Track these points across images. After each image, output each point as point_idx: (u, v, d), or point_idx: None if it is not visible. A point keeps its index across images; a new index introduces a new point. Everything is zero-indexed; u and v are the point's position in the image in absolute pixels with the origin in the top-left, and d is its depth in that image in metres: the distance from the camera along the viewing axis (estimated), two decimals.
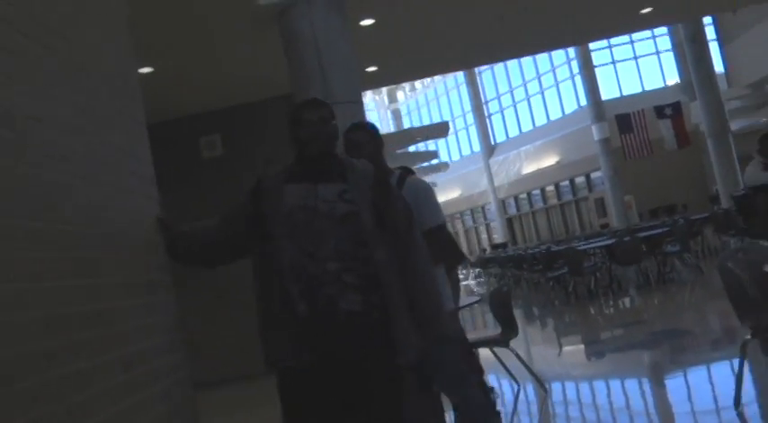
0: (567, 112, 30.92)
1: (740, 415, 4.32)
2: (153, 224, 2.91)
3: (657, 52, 29.79)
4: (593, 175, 28.91)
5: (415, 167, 29.01)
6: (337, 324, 2.62)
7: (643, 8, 10.93)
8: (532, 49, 15.60)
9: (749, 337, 3.99)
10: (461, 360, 3.60)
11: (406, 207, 2.85)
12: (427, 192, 3.62)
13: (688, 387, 5.79)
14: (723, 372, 5.82)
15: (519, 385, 6.25)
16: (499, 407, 5.71)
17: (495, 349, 6.13)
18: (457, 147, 39.41)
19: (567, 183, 31.11)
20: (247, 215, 2.82)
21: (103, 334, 2.28)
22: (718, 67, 24.45)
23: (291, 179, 2.78)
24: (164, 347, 2.77)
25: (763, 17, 19.33)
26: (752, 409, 4.48)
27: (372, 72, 10.26)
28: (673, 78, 28.87)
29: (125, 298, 2.51)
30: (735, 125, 22.37)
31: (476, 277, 27.45)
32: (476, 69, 34.57)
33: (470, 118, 37.13)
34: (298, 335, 2.64)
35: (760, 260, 3.91)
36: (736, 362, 4.44)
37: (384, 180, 2.82)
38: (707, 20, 24.47)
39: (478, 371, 4.68)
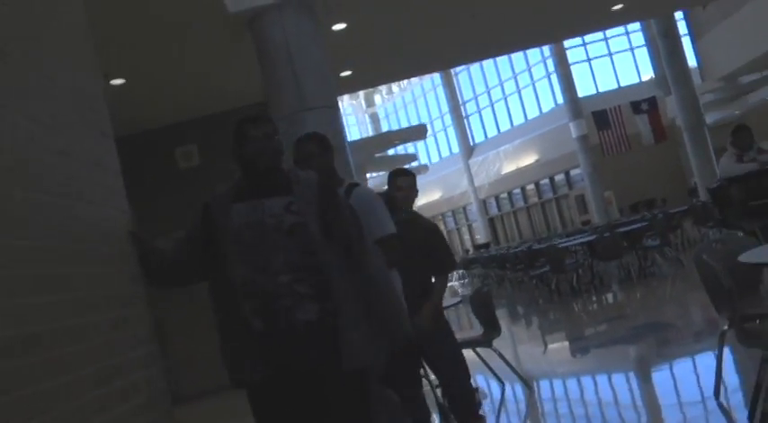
0: (545, 110, 31.09)
1: (721, 405, 4.35)
2: (125, 237, 2.88)
3: (631, 48, 30.05)
4: (573, 173, 29.09)
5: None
6: (296, 335, 2.67)
7: (614, 5, 11.00)
8: (507, 49, 15.66)
9: (726, 327, 4.02)
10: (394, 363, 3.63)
11: (353, 214, 2.89)
12: (373, 202, 3.61)
13: (673, 379, 5.83)
14: (706, 362, 5.85)
15: (504, 385, 6.25)
16: (485, 408, 5.72)
17: (480, 350, 6.14)
18: (436, 148, 39.50)
19: (546, 181, 31.27)
20: (200, 236, 2.86)
21: (76, 349, 2.25)
22: (692, 61, 24.68)
23: (238, 197, 2.82)
24: (139, 361, 2.74)
25: (732, 11, 19.57)
26: (734, 397, 4.52)
27: (347, 76, 10.25)
28: (647, 74, 29.13)
29: (98, 312, 2.48)
30: (709, 118, 22.59)
31: (459, 278, 27.50)
32: (452, 70, 34.70)
33: (448, 119, 37.25)
34: (254, 350, 2.69)
35: (735, 250, 3.93)
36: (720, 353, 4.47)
37: (329, 188, 2.85)
38: (678, 15, 24.69)
39: (465, 372, 4.67)
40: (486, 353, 6.14)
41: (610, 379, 6.45)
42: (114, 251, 2.76)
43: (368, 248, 2.90)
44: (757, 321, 3.86)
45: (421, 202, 38.72)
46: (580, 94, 28.01)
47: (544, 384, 6.70)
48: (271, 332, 2.67)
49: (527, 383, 6.18)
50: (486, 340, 5.96)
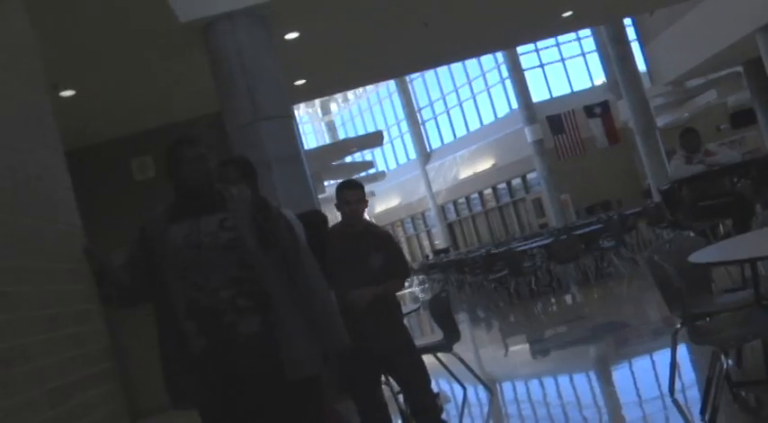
0: (500, 115, 31.40)
1: (676, 401, 4.44)
2: (76, 252, 2.84)
3: (583, 53, 30.53)
4: (530, 176, 29.43)
5: (352, 178, 28.96)
6: (238, 349, 2.71)
7: (564, 12, 11.17)
8: (461, 56, 15.79)
9: (679, 326, 4.10)
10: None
11: (288, 224, 2.95)
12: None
13: (632, 377, 5.93)
14: (663, 360, 5.95)
15: (466, 388, 6.29)
16: (448, 412, 5.75)
17: (440, 354, 6.15)
18: (393, 155, 39.61)
19: (504, 185, 31.57)
20: (140, 258, 2.89)
21: (26, 370, 2.21)
22: (641, 66, 25.18)
23: (174, 218, 2.86)
24: (95, 379, 2.70)
25: (677, 18, 19.99)
26: (689, 393, 4.60)
27: (301, 85, 10.23)
28: (599, 78, 29.61)
29: (49, 331, 2.43)
30: (660, 121, 23.04)
31: (420, 284, 27.58)
32: (407, 77, 34.84)
33: (405, 126, 37.39)
34: (197, 374, 2.74)
35: (685, 251, 4.02)
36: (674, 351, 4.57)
37: (262, 201, 2.91)
38: (627, 21, 25.17)
39: (426, 378, 4.65)
40: (447, 357, 6.17)
41: (571, 379, 6.53)
42: (65, 268, 2.71)
43: (304, 258, 2.95)
44: (707, 319, 3.96)
45: (379, 208, 38.79)
46: (534, 99, 28.39)
47: (506, 387, 6.75)
48: (214, 349, 2.71)
49: (488, 386, 6.22)
50: (446, 345, 5.98)
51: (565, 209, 26.51)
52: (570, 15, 11.34)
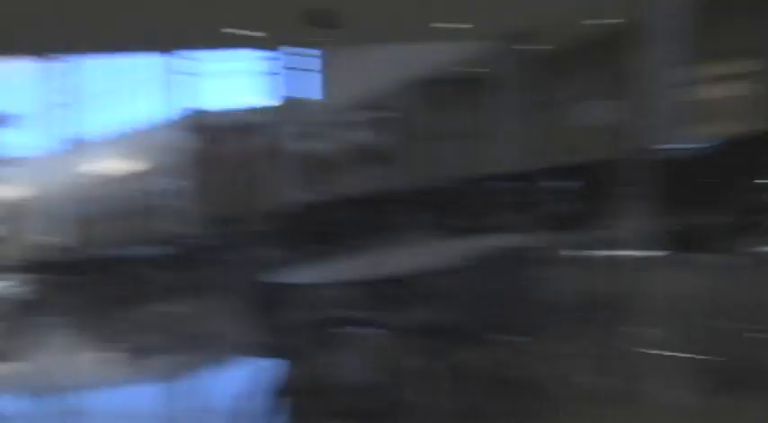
0: (153, 119, 30.67)
1: (246, 410, 4.58)
2: None
3: (253, 72, 31.03)
4: (169, 184, 29.07)
5: None
6: None
7: (224, 27, 11.31)
8: (118, 48, 15.11)
9: (250, 340, 4.34)
10: None
11: None
12: None
13: (201, 388, 6.01)
14: (235, 373, 6.18)
15: (29, 401, 5.89)
16: None
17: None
18: (29, 141, 36.34)
19: (142, 189, 30.77)
20: None
21: None
22: (314, 93, 26.47)
23: None
24: None
25: (353, 53, 21.31)
26: (250, 403, 4.81)
27: None
28: (265, 98, 30.31)
29: None
30: (308, 148, 24.24)
31: (16, 285, 25.31)
32: (60, 60, 32.47)
33: (44, 110, 34.62)
34: None
35: (272, 271, 4.30)
36: (247, 363, 4.77)
37: None
38: (306, 46, 26.34)
39: None
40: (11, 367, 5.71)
41: (142, 389, 6.43)
42: None
43: None
44: (279, 336, 4.25)
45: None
46: (190, 107, 28.25)
47: (86, 396, 6.40)
48: None
49: (52, 397, 5.93)
50: None
51: (197, 219, 26.63)
52: (236, 34, 11.48)
